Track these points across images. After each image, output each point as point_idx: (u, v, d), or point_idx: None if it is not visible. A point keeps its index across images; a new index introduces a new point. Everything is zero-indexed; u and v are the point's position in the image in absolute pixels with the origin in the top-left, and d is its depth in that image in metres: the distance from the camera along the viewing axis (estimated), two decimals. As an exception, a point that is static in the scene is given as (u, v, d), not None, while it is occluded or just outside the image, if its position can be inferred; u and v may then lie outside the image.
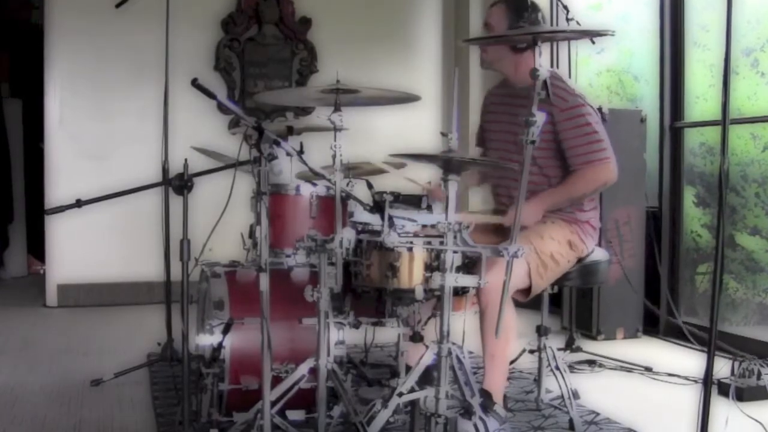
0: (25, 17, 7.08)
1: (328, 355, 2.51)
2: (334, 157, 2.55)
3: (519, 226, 2.34)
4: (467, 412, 2.35)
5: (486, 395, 2.51)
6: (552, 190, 2.91)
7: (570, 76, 4.83)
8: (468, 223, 2.34)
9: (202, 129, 5.45)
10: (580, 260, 2.96)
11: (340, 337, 2.74)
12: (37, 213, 6.34)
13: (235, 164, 2.56)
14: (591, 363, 3.88)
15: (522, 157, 2.32)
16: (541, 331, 3.04)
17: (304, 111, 5.59)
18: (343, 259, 2.42)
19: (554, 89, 2.81)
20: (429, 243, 2.34)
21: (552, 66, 5.29)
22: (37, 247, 6.52)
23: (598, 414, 3.06)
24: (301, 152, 2.42)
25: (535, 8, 2.88)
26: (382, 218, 2.33)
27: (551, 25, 5.05)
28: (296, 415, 2.63)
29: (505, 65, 3.02)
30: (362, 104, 2.87)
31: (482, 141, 3.30)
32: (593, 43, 3.07)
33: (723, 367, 3.34)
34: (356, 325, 2.61)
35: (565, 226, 2.92)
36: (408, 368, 2.44)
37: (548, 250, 2.82)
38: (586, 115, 2.86)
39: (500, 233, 2.96)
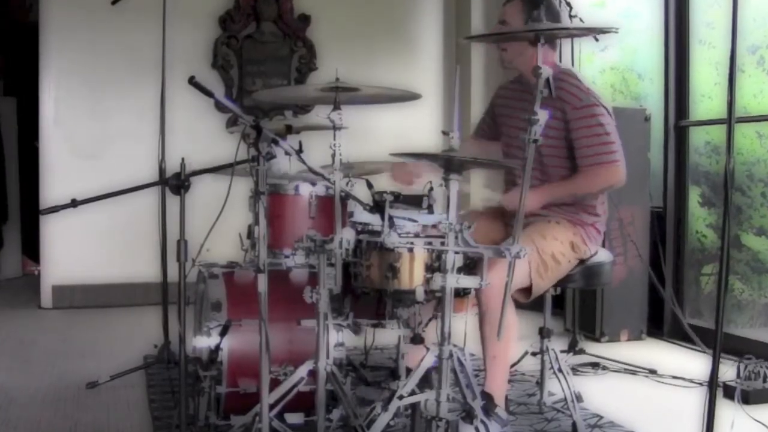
0: (19, 15, 7.03)
1: (327, 357, 2.49)
2: (333, 156, 2.53)
3: (521, 227, 2.31)
4: (468, 415, 2.34)
5: (487, 398, 2.48)
6: (556, 183, 2.90)
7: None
8: (469, 223, 2.31)
9: (199, 128, 5.44)
10: (582, 261, 2.93)
11: (339, 339, 2.73)
12: (31, 213, 6.29)
13: (233, 164, 2.52)
14: (594, 365, 3.85)
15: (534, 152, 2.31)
16: (543, 333, 3.03)
17: (303, 109, 5.54)
18: (342, 260, 2.40)
19: (568, 87, 2.83)
20: (430, 243, 2.31)
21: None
22: (31, 248, 6.49)
23: (601, 417, 3.04)
24: (300, 151, 2.40)
25: (551, 3, 2.84)
26: (382, 218, 2.30)
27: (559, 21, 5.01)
28: (295, 418, 2.60)
29: (527, 61, 2.96)
30: (362, 102, 2.86)
31: (483, 133, 3.28)
32: (597, 40, 3.04)
33: (728, 370, 3.30)
34: (356, 331, 2.57)
35: (569, 227, 2.89)
36: (408, 371, 2.41)
37: (550, 250, 2.80)
38: (598, 115, 2.83)
39: (504, 219, 2.93)
